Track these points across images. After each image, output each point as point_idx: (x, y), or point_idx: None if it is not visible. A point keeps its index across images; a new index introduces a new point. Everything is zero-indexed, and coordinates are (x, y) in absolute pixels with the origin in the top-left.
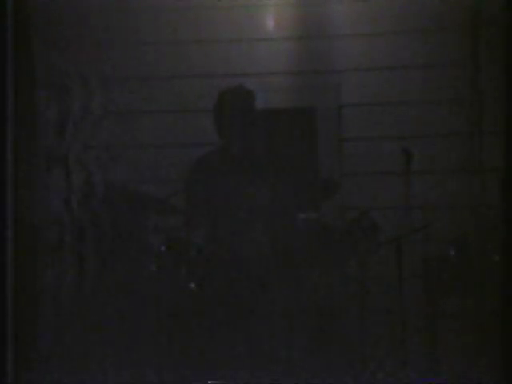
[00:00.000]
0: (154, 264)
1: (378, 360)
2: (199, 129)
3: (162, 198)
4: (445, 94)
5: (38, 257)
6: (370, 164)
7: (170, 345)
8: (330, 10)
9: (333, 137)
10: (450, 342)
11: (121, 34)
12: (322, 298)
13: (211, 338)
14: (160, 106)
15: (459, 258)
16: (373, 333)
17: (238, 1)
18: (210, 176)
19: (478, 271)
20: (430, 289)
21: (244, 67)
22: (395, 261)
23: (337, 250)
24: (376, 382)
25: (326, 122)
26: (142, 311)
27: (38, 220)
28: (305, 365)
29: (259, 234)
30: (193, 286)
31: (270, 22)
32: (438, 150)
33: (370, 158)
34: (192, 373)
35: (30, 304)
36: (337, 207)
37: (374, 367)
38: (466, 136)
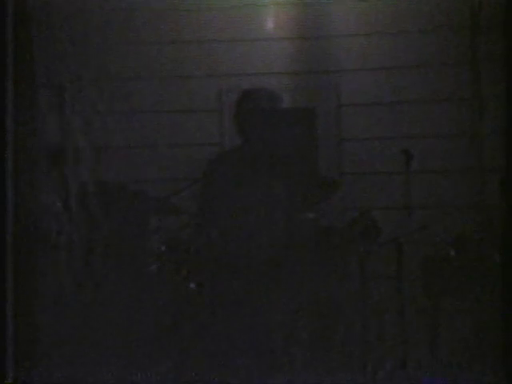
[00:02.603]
0: (154, 264)
1: (378, 360)
2: (199, 129)
3: (162, 197)
4: (445, 94)
5: (38, 256)
6: (370, 164)
7: (170, 345)
8: (330, 10)
9: (333, 137)
10: (450, 342)
11: (121, 33)
12: (322, 297)
13: (211, 337)
14: (160, 106)
15: (459, 257)
16: (373, 332)
17: (238, 1)
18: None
19: (478, 271)
20: (429, 289)
21: (244, 67)
22: (395, 261)
23: (337, 250)
24: (376, 381)
25: (326, 122)
26: (142, 311)
27: (38, 219)
28: (305, 364)
29: (259, 233)
30: (193, 285)
31: (269, 22)
32: (437, 150)
33: (370, 157)
34: (192, 373)
35: (29, 304)
36: (337, 207)
37: (374, 367)
38: (466, 136)
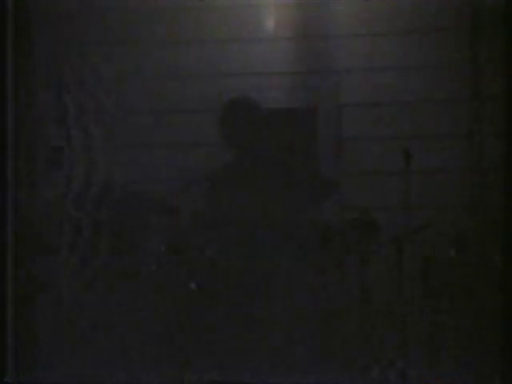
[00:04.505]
0: (154, 264)
1: (377, 360)
2: (199, 129)
3: (162, 197)
4: (445, 94)
5: (38, 256)
6: (370, 164)
7: (170, 345)
8: (330, 10)
9: (333, 137)
10: (450, 342)
11: (121, 33)
12: (322, 298)
13: (211, 337)
14: (160, 106)
15: (459, 258)
16: (373, 333)
17: (238, 1)
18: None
19: (478, 271)
20: (429, 289)
21: (244, 67)
22: (395, 261)
23: (337, 250)
24: (376, 382)
25: (326, 122)
26: (142, 311)
27: (38, 219)
28: (305, 365)
29: (259, 233)
30: (193, 286)
31: (270, 22)
32: (437, 150)
33: (370, 158)
34: (192, 373)
35: (29, 304)
36: (337, 207)
37: (374, 367)
38: (466, 136)
